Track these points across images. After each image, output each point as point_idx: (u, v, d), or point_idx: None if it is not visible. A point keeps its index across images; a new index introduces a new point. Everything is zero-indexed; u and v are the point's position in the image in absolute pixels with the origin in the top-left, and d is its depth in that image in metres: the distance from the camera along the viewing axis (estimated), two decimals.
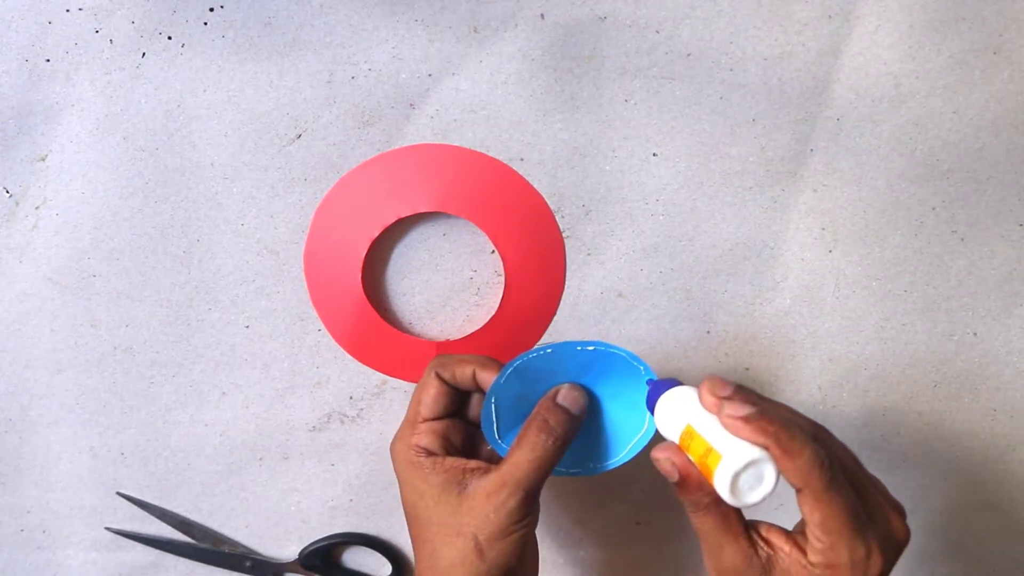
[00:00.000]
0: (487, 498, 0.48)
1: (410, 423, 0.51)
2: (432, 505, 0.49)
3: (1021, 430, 0.59)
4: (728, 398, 0.42)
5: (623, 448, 0.51)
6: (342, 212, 0.56)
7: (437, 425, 0.51)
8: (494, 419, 0.50)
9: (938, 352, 0.58)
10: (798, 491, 0.41)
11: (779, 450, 0.40)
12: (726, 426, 0.41)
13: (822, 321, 0.58)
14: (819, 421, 0.58)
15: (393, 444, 0.52)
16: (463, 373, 0.51)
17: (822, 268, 0.57)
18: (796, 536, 0.44)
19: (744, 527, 0.44)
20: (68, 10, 0.53)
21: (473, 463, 0.50)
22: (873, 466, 0.59)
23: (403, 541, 0.62)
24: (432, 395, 0.51)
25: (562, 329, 0.58)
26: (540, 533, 0.61)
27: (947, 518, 0.61)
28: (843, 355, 0.58)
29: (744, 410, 0.41)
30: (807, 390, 0.58)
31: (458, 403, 0.51)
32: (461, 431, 0.52)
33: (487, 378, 0.50)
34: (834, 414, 0.58)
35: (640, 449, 0.50)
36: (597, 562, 0.61)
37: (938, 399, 0.59)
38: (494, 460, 0.50)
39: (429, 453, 0.50)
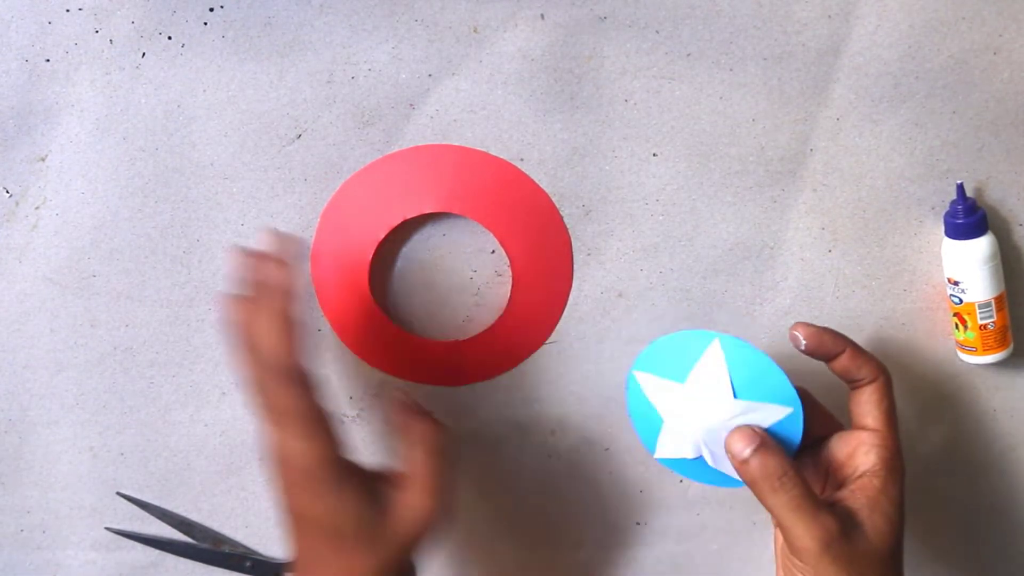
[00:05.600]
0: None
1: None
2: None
3: (1021, 430, 0.59)
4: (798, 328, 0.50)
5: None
6: (348, 215, 0.56)
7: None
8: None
9: (938, 352, 0.58)
10: (865, 385, 0.51)
11: (854, 350, 0.50)
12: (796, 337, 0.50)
13: (822, 321, 0.57)
14: None
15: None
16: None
17: (822, 268, 0.57)
18: (850, 480, 0.49)
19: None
20: (68, 10, 0.53)
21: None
22: None
23: None
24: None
25: (563, 329, 0.58)
26: (538, 534, 0.61)
27: (947, 518, 0.61)
28: None
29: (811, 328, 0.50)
30: (807, 390, 0.58)
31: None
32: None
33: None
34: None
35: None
36: (596, 562, 0.61)
37: (938, 399, 0.59)
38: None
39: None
